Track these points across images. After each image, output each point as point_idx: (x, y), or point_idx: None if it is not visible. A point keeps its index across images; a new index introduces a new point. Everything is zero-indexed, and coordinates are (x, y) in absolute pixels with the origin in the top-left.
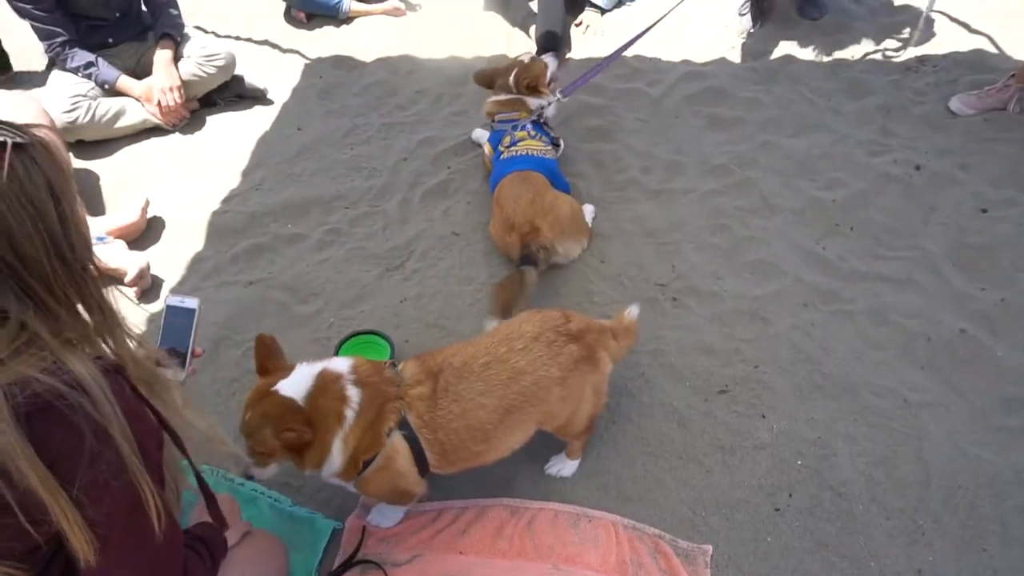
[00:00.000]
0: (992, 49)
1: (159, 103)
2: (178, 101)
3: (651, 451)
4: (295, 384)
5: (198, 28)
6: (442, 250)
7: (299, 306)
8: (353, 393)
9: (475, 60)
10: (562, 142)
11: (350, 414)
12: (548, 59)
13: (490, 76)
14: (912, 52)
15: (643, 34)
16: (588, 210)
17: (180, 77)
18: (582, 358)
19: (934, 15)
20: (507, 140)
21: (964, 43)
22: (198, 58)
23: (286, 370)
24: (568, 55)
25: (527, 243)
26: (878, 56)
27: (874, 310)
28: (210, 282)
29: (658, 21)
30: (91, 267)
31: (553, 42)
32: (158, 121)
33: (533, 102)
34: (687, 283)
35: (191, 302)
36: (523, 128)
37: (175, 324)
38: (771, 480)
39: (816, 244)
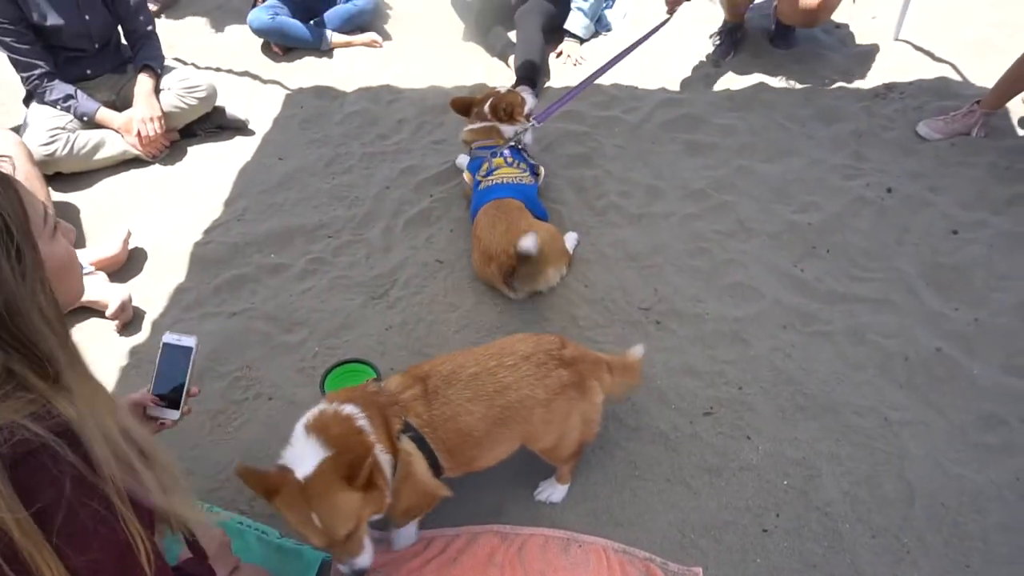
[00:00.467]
0: (956, 77)
1: (139, 133)
2: (158, 131)
3: (639, 474)
4: (304, 456)
5: (177, 60)
6: (426, 278)
7: (283, 336)
8: (349, 408)
9: (455, 89)
10: (542, 170)
11: (363, 423)
12: (526, 95)
13: (467, 103)
14: (880, 79)
15: (614, 63)
16: (571, 238)
17: (161, 108)
18: (571, 384)
19: (900, 44)
20: (485, 168)
21: (929, 71)
22: (179, 90)
23: (284, 470)
24: (547, 84)
25: (506, 271)
26: (848, 83)
27: (852, 330)
28: (192, 313)
29: (628, 51)
30: (61, 312)
31: (532, 71)
32: (138, 152)
33: (507, 129)
34: (670, 306)
35: (188, 340)
36: (500, 155)
37: (171, 362)
38: (758, 501)
39: (793, 266)
